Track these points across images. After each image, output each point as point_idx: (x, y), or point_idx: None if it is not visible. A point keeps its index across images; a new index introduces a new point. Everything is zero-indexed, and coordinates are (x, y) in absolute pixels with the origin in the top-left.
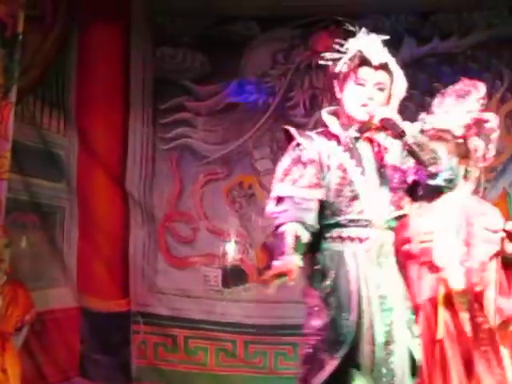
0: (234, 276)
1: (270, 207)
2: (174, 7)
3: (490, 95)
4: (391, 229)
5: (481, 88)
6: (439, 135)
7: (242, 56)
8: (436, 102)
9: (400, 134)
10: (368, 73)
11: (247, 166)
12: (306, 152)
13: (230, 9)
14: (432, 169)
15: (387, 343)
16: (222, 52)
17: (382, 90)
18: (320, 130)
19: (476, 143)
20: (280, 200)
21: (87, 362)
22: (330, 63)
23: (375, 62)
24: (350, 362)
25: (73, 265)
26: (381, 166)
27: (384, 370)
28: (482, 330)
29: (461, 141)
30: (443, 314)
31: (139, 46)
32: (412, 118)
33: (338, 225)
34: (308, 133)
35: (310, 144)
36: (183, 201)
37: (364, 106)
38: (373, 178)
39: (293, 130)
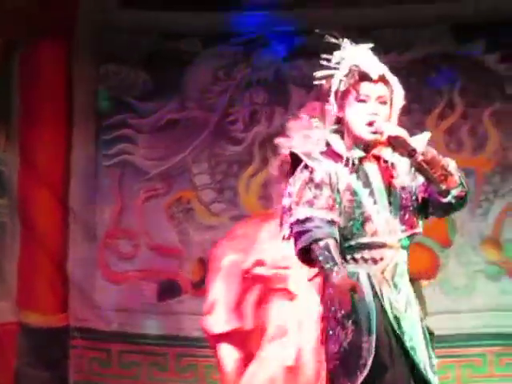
0: (169, 289)
1: (293, 229)
2: (117, 24)
3: (429, 111)
4: (404, 248)
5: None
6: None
7: (185, 72)
8: (291, 125)
9: (410, 153)
10: (369, 87)
11: (186, 181)
12: (317, 174)
13: (173, 26)
14: (443, 186)
15: (408, 368)
16: (165, 69)
17: (384, 103)
18: (324, 150)
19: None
20: (300, 223)
21: (23, 378)
22: (323, 82)
23: (375, 76)
24: None
25: (13, 280)
26: (389, 185)
27: None
28: None
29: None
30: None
31: (84, 62)
32: None
33: (351, 248)
34: (314, 155)
35: (319, 166)
36: (125, 217)
37: (370, 124)
38: (382, 197)
39: (300, 154)
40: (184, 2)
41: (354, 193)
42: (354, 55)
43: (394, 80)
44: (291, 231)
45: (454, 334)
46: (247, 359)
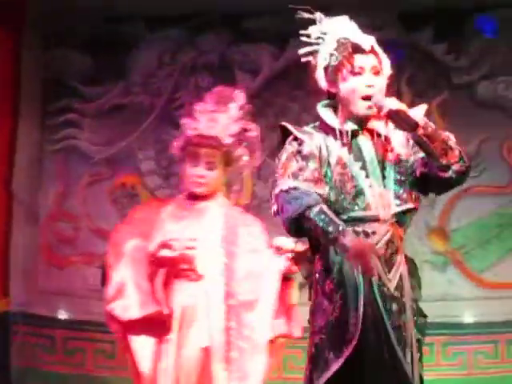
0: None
1: (279, 200)
2: (64, 9)
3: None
4: (401, 224)
5: (240, 96)
6: (206, 142)
7: (130, 56)
8: (198, 108)
9: (412, 127)
10: (362, 59)
11: (131, 166)
12: (306, 146)
13: (118, 9)
14: (443, 160)
15: (397, 346)
16: (110, 53)
17: (378, 73)
18: (317, 123)
19: (240, 152)
20: (284, 193)
21: None
22: (310, 58)
23: (368, 47)
24: (357, 361)
25: None
26: (383, 158)
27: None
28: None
29: (227, 149)
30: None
31: (30, 47)
32: (297, 119)
33: (343, 220)
34: (306, 128)
35: (308, 138)
36: (68, 201)
37: (366, 98)
38: (375, 171)
39: (290, 126)
40: None
41: (344, 166)
42: (339, 28)
43: (380, 50)
44: (277, 202)
45: None
46: (163, 343)
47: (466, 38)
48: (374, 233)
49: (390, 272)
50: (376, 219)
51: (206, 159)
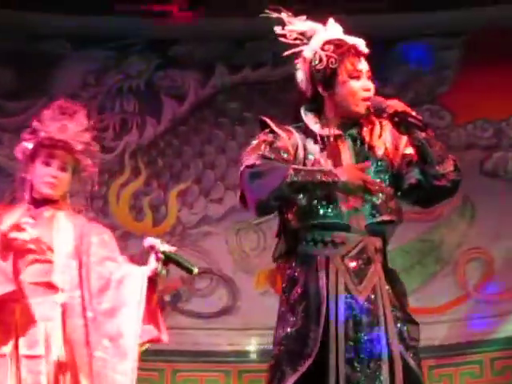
0: None
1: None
2: None
3: None
4: (376, 234)
5: (83, 110)
6: (59, 144)
7: (53, 74)
8: (48, 114)
9: (421, 128)
10: (359, 63)
11: None
12: (280, 140)
13: (42, 26)
14: (439, 168)
15: (369, 360)
16: (33, 69)
17: (370, 78)
18: (300, 124)
19: (87, 162)
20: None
21: None
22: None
23: (364, 50)
24: (315, 378)
25: None
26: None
27: None
28: None
29: (77, 156)
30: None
31: None
32: (222, 146)
33: (313, 227)
34: (286, 126)
35: (286, 135)
36: None
37: (365, 100)
38: None
39: (269, 121)
40: (57, 4)
41: None
42: (329, 30)
43: None
44: (241, 180)
45: None
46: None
47: (390, 67)
48: (342, 243)
49: (360, 283)
50: (347, 228)
51: (58, 160)
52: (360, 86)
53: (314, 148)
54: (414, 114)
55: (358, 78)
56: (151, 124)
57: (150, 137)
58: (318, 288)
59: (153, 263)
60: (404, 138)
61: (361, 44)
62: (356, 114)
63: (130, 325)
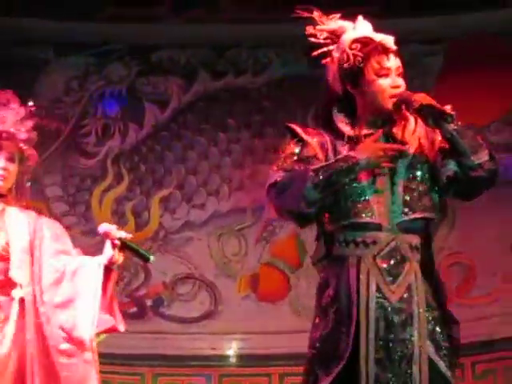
0: None
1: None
2: None
3: (283, 134)
4: (409, 232)
5: (15, 98)
6: (3, 135)
7: (36, 80)
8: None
9: (446, 121)
10: (387, 60)
11: (37, 191)
12: (308, 149)
13: (26, 31)
14: (473, 158)
15: (400, 361)
16: (17, 75)
17: (400, 75)
18: (332, 125)
19: (30, 152)
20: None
21: None
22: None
23: (391, 46)
24: (347, 380)
25: None
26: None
27: None
28: None
29: (21, 145)
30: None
31: None
32: (204, 152)
33: (343, 228)
34: (317, 130)
35: (315, 139)
36: None
37: (394, 96)
38: (384, 177)
39: (297, 128)
40: (40, 10)
41: None
42: (357, 28)
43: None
44: (271, 200)
45: (304, 352)
46: None
47: None
48: (374, 242)
49: (393, 283)
50: (378, 227)
51: (5, 151)
52: (388, 84)
53: (343, 147)
54: (440, 106)
55: (386, 75)
56: (133, 130)
57: (133, 142)
58: (349, 290)
59: (109, 251)
60: (439, 133)
61: (389, 41)
62: (385, 111)
63: (85, 315)
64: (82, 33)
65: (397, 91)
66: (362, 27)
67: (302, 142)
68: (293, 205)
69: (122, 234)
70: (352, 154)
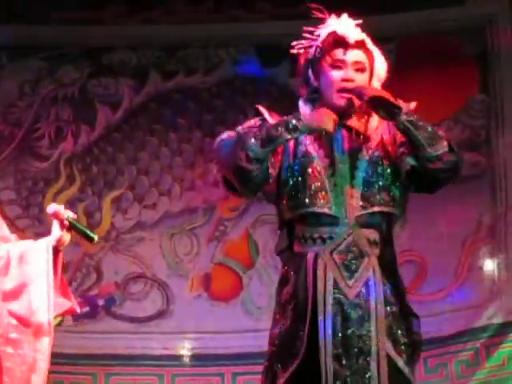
0: None
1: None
2: None
3: None
4: (369, 226)
5: None
6: None
7: None
8: None
9: (395, 112)
10: (344, 53)
11: None
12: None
13: None
14: (431, 150)
15: (358, 356)
16: None
17: (361, 70)
18: (296, 114)
19: None
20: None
21: None
22: (301, 51)
23: (351, 40)
24: (305, 376)
25: None
26: (356, 158)
27: None
28: None
29: None
30: None
31: None
32: (156, 153)
33: (302, 220)
34: (281, 117)
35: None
36: None
37: (342, 90)
38: (343, 170)
39: (263, 110)
40: None
41: (311, 160)
42: (333, 23)
43: (376, 50)
44: (217, 151)
45: (257, 352)
46: None
47: None
48: (331, 237)
49: (351, 278)
50: (336, 221)
51: None
52: (340, 76)
53: (305, 139)
54: (389, 97)
55: (339, 68)
56: (86, 131)
57: (85, 144)
58: (307, 286)
59: (57, 231)
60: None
61: (351, 35)
62: (335, 106)
63: (41, 299)
64: (34, 36)
65: (347, 85)
66: (337, 23)
67: (263, 122)
68: (233, 157)
69: (70, 214)
70: (298, 119)
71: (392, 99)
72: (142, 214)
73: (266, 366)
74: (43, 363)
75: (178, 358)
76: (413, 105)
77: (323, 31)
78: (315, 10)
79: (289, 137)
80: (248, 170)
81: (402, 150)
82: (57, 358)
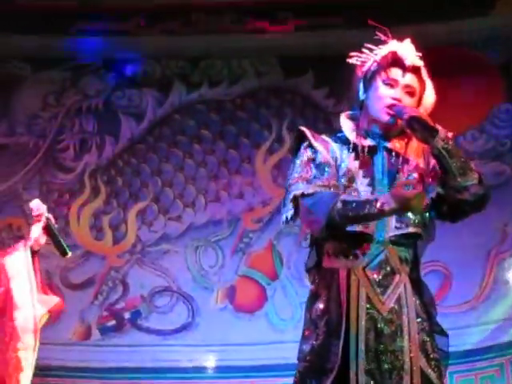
0: None
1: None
2: None
3: (258, 145)
4: (400, 245)
5: None
6: None
7: (13, 96)
8: None
9: (432, 135)
10: (399, 74)
11: (16, 207)
12: (321, 155)
13: (2, 48)
14: (460, 180)
15: (391, 371)
16: None
17: (411, 94)
18: (338, 134)
19: None
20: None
21: None
22: (357, 63)
23: (408, 63)
24: None
25: None
26: (394, 179)
27: None
28: None
29: None
30: None
31: None
32: (180, 164)
33: (335, 238)
34: (324, 137)
35: (324, 148)
36: None
37: (390, 107)
38: (382, 190)
39: (307, 132)
40: (15, 25)
41: (351, 179)
42: (396, 45)
43: (428, 81)
44: (302, 207)
45: (282, 364)
46: None
47: (346, 83)
48: (363, 254)
49: (383, 294)
50: (369, 239)
51: None
52: (389, 94)
53: (347, 156)
54: (428, 120)
55: (391, 86)
56: (110, 143)
57: (109, 156)
58: (340, 301)
59: (35, 232)
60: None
61: (410, 58)
62: (380, 121)
63: (23, 296)
64: (57, 47)
65: (395, 103)
66: (399, 44)
67: (313, 148)
68: (317, 225)
69: (51, 217)
70: (382, 200)
71: (431, 122)
72: (166, 226)
73: (297, 381)
74: (27, 363)
75: (204, 370)
76: (450, 134)
77: (383, 49)
78: (380, 31)
79: (375, 215)
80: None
81: (433, 175)
82: (84, 372)
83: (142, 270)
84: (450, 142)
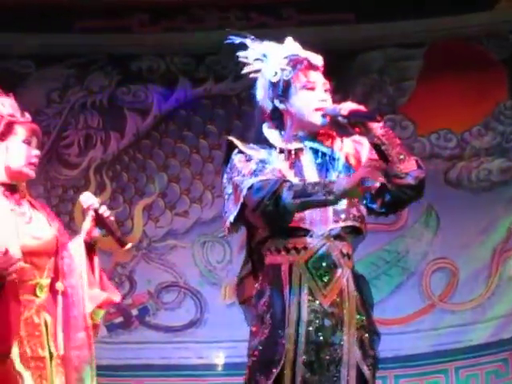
0: None
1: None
2: None
3: None
4: (342, 239)
5: None
6: (32, 126)
7: (18, 93)
8: None
9: (373, 123)
10: (315, 75)
11: None
12: (254, 157)
13: (6, 46)
14: (401, 166)
15: (329, 364)
16: None
17: (328, 91)
18: (264, 144)
19: None
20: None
21: None
22: (256, 75)
23: (320, 63)
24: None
25: None
26: (325, 176)
27: None
28: None
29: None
30: None
31: None
32: (186, 160)
33: (275, 235)
34: (251, 144)
35: (254, 151)
36: None
37: (319, 110)
38: None
39: (236, 141)
40: (17, 23)
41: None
42: (286, 47)
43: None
44: (249, 202)
45: None
46: None
47: (352, 77)
48: (305, 248)
49: (325, 287)
50: (309, 234)
51: (37, 138)
52: (314, 97)
53: (277, 158)
54: (367, 109)
55: (312, 89)
56: (115, 139)
57: (114, 151)
58: (283, 295)
59: (87, 224)
60: (365, 148)
61: (315, 57)
62: (312, 125)
63: (79, 293)
64: (61, 44)
65: (321, 104)
66: (290, 46)
67: (243, 153)
68: (262, 196)
69: (103, 210)
70: (334, 184)
71: (369, 111)
72: (173, 221)
73: (248, 377)
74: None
75: (213, 367)
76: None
77: (274, 55)
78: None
79: (323, 198)
80: (275, 216)
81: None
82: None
83: (149, 265)
84: (390, 131)
